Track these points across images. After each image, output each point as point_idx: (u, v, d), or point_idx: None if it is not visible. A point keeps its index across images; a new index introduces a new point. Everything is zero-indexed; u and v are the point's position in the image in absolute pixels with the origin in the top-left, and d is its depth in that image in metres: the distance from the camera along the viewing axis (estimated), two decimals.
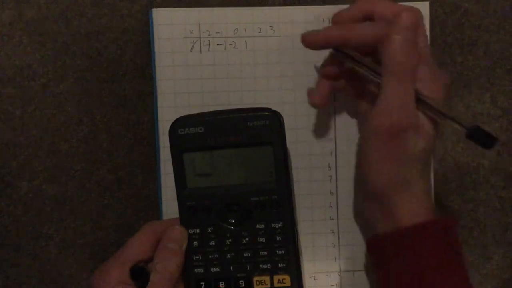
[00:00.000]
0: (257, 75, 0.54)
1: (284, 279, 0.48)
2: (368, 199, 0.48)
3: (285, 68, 0.54)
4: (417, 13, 0.46)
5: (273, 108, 0.47)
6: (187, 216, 0.48)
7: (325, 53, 0.51)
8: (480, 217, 0.56)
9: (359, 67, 0.48)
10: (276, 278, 0.48)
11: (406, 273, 0.45)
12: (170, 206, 0.53)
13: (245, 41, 0.54)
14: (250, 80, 0.54)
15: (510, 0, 0.55)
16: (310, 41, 0.48)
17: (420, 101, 0.45)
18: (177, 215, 0.48)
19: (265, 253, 0.48)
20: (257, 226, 0.48)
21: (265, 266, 0.48)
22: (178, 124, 0.47)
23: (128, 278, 0.46)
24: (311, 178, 0.54)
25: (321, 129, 0.54)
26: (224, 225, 0.48)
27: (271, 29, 0.54)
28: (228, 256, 0.48)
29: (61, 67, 0.54)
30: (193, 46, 0.53)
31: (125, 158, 0.54)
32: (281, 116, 0.47)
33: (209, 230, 0.48)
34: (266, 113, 0.47)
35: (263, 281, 0.48)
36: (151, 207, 0.55)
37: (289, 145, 0.48)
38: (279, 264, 0.48)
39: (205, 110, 0.49)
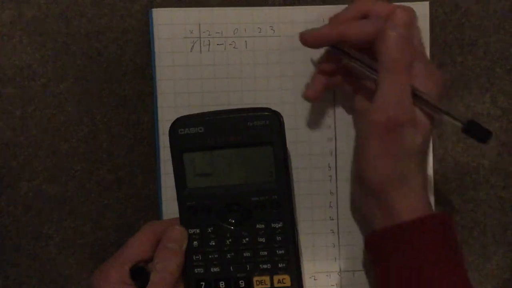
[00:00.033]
0: (257, 75, 0.54)
1: (284, 279, 0.48)
2: (365, 195, 0.48)
3: (285, 68, 0.54)
4: (411, 11, 0.47)
5: (273, 108, 0.47)
6: (187, 216, 0.48)
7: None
8: (480, 217, 0.56)
9: (356, 63, 0.48)
10: (276, 278, 0.48)
11: (405, 268, 0.45)
12: (170, 206, 0.53)
13: (245, 41, 0.54)
14: (250, 80, 0.54)
15: (510, 0, 0.55)
16: (308, 39, 0.48)
17: (416, 96, 0.46)
18: (177, 215, 0.48)
19: (265, 253, 0.48)
20: (257, 226, 0.48)
21: (265, 266, 0.48)
22: (178, 124, 0.47)
23: (128, 278, 0.46)
24: (311, 178, 0.54)
25: (321, 129, 0.54)
26: (224, 225, 0.48)
27: (271, 29, 0.54)
28: (228, 256, 0.48)
29: (61, 67, 0.54)
30: (193, 46, 0.53)
31: (125, 158, 0.54)
32: (281, 116, 0.47)
33: (209, 230, 0.48)
34: (266, 113, 0.47)
35: (263, 281, 0.48)
36: (151, 207, 0.55)
37: (289, 145, 0.48)
38: (279, 264, 0.48)
39: (205, 110, 0.49)
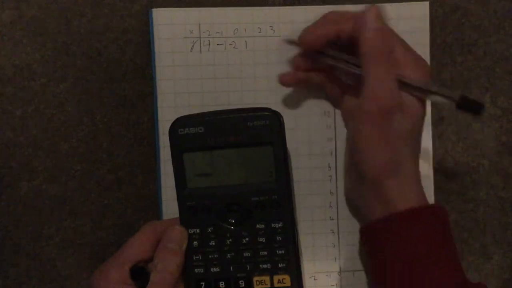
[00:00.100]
0: (257, 75, 0.54)
1: (284, 279, 0.48)
2: (360, 186, 0.49)
3: (285, 68, 0.54)
4: (377, 7, 0.47)
5: (273, 108, 0.47)
6: (187, 216, 0.48)
7: None
8: (480, 217, 0.56)
9: (341, 64, 0.49)
10: (276, 278, 0.48)
11: (399, 260, 0.45)
12: (170, 206, 0.53)
13: (245, 41, 0.54)
14: (250, 80, 0.54)
15: (510, 0, 0.55)
16: (308, 41, 0.49)
17: (404, 83, 0.46)
18: (177, 215, 0.48)
19: (265, 253, 0.48)
20: (257, 226, 0.48)
21: (265, 266, 0.48)
22: (178, 124, 0.47)
23: (128, 278, 0.46)
24: (311, 178, 0.54)
25: (321, 129, 0.54)
26: (224, 225, 0.48)
27: (271, 29, 0.54)
28: (228, 256, 0.48)
29: (61, 67, 0.54)
30: (193, 46, 0.53)
31: (125, 158, 0.54)
32: (281, 116, 0.47)
33: (209, 230, 0.48)
34: (266, 113, 0.47)
35: (263, 281, 0.48)
36: (151, 207, 0.55)
37: (289, 145, 0.48)
38: (279, 264, 0.48)
39: (205, 110, 0.49)
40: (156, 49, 0.53)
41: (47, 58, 0.54)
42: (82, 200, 0.54)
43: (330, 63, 0.50)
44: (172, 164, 0.48)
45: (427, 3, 0.54)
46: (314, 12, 0.53)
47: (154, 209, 0.54)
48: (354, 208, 0.54)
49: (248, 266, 0.48)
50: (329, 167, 0.54)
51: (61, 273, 0.54)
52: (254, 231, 0.48)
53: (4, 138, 0.54)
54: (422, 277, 0.44)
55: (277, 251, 0.48)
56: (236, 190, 0.48)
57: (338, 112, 0.54)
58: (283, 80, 0.52)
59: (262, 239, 0.48)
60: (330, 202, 0.54)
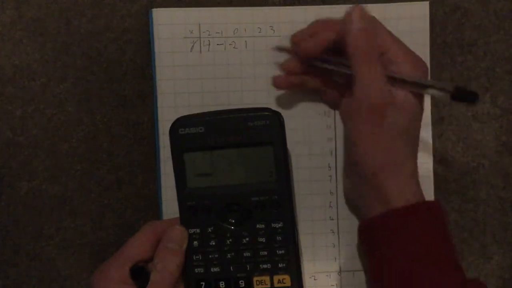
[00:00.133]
0: (257, 75, 0.54)
1: (284, 279, 0.48)
2: (358, 185, 0.49)
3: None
4: (360, 8, 0.48)
5: (273, 108, 0.47)
6: (187, 216, 0.48)
7: None
8: (480, 217, 0.56)
9: (332, 65, 0.50)
10: (276, 278, 0.48)
11: (396, 258, 0.45)
12: (170, 206, 0.53)
13: (245, 41, 0.54)
14: (250, 80, 0.54)
15: (510, 0, 0.55)
16: (308, 48, 0.49)
17: (398, 79, 0.47)
18: (177, 215, 0.48)
19: (265, 253, 0.48)
20: (257, 226, 0.48)
21: (265, 266, 0.48)
22: (178, 124, 0.47)
23: (128, 278, 0.46)
24: (311, 178, 0.54)
25: (321, 129, 0.54)
26: (224, 225, 0.48)
27: (271, 29, 0.54)
28: (228, 256, 0.48)
29: (61, 67, 0.54)
30: (193, 46, 0.53)
31: (125, 158, 0.54)
32: (281, 116, 0.47)
33: (209, 230, 0.48)
34: (266, 113, 0.47)
35: (263, 281, 0.48)
36: (151, 207, 0.54)
37: (289, 145, 0.48)
38: (279, 264, 0.48)
39: (205, 110, 0.49)
40: (156, 49, 0.53)
41: (47, 58, 0.54)
42: (82, 200, 0.54)
43: (322, 66, 0.50)
44: (173, 164, 0.48)
45: (427, 3, 0.54)
46: (314, 12, 0.53)
47: (154, 209, 0.54)
48: (354, 207, 0.54)
49: (248, 266, 0.48)
50: (329, 167, 0.54)
51: (61, 273, 0.54)
52: (254, 231, 0.48)
53: (4, 138, 0.54)
54: (420, 273, 0.44)
55: (277, 251, 0.48)
56: (236, 190, 0.48)
57: (338, 112, 0.54)
58: (277, 83, 0.52)
59: (262, 239, 0.48)
60: (330, 202, 0.54)
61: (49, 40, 0.54)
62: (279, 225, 0.48)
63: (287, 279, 0.48)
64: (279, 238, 0.48)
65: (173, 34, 0.53)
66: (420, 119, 0.48)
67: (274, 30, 0.54)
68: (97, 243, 0.54)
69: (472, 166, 0.56)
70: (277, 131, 0.47)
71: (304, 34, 0.51)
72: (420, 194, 0.47)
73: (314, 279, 0.54)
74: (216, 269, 0.48)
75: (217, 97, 0.53)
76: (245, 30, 0.54)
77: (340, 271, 0.55)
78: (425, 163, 0.55)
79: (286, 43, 0.52)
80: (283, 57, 0.53)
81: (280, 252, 0.48)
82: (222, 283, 0.48)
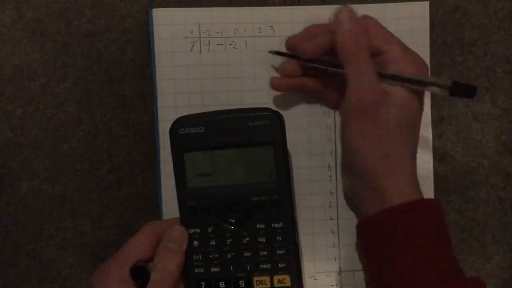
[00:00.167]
0: (257, 75, 0.54)
1: (284, 279, 0.48)
2: (356, 184, 0.49)
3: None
4: (347, 9, 0.48)
5: (273, 108, 0.48)
6: (187, 216, 0.48)
7: None
8: (480, 217, 0.56)
9: (326, 66, 0.50)
10: (276, 278, 0.48)
11: (394, 255, 0.45)
12: (170, 206, 0.53)
13: (245, 41, 0.54)
14: (250, 80, 0.54)
15: (510, 0, 0.55)
16: (308, 50, 0.49)
17: (395, 77, 0.47)
18: (177, 215, 0.48)
19: (265, 253, 0.48)
20: (257, 226, 0.48)
21: (265, 266, 0.48)
22: (178, 124, 0.47)
23: (128, 278, 0.46)
24: (311, 178, 0.54)
25: (321, 129, 0.54)
26: (224, 225, 0.48)
27: (271, 29, 0.54)
28: (228, 256, 0.48)
29: (61, 67, 0.54)
30: (193, 46, 0.53)
31: (125, 158, 0.54)
32: (282, 116, 0.47)
33: (209, 230, 0.48)
34: (267, 113, 0.47)
35: (263, 281, 0.48)
36: (151, 207, 0.54)
37: (289, 145, 0.48)
38: (279, 264, 0.48)
39: (205, 110, 0.49)
40: (156, 49, 0.53)
41: (47, 58, 0.54)
42: (82, 200, 0.54)
43: (319, 67, 0.50)
44: (173, 164, 0.48)
45: (427, 3, 0.54)
46: (314, 12, 0.53)
47: (154, 209, 0.54)
48: (353, 206, 0.54)
49: (248, 266, 0.48)
50: (329, 167, 0.54)
51: (61, 273, 0.54)
52: (254, 231, 0.48)
53: (4, 138, 0.54)
54: (417, 270, 0.45)
55: (277, 251, 0.48)
56: (236, 190, 0.48)
57: (338, 112, 0.54)
58: (274, 85, 0.52)
59: (262, 239, 0.48)
60: (330, 202, 0.54)
61: (49, 40, 0.54)
62: (279, 225, 0.48)
63: (287, 279, 0.48)
64: (279, 238, 0.48)
65: (173, 34, 0.53)
66: (418, 117, 0.48)
67: (274, 30, 0.54)
68: (97, 243, 0.54)
69: (472, 166, 0.56)
70: (277, 131, 0.47)
71: (299, 37, 0.51)
72: (418, 192, 0.47)
73: (314, 279, 0.54)
74: (216, 269, 0.48)
75: (217, 97, 0.54)
76: (245, 30, 0.54)
77: (340, 271, 0.55)
78: (425, 163, 0.55)
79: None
80: (280, 59, 0.53)
81: (280, 252, 0.48)
82: (222, 283, 0.48)
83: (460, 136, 0.56)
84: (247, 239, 0.48)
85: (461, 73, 0.55)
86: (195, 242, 0.48)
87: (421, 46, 0.54)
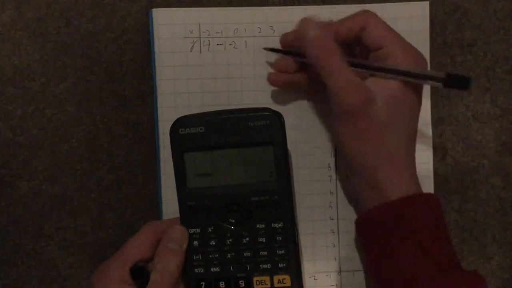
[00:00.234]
0: (257, 75, 0.54)
1: (284, 279, 0.48)
2: (353, 181, 0.49)
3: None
4: (310, 18, 0.49)
5: (273, 108, 0.47)
6: (187, 216, 0.48)
7: None
8: (480, 217, 0.56)
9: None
10: (276, 278, 0.48)
11: (393, 250, 0.45)
12: (170, 206, 0.53)
13: (245, 41, 0.54)
14: (250, 80, 0.54)
15: (510, 0, 0.55)
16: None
17: (389, 70, 0.47)
18: (177, 215, 0.48)
19: (265, 253, 0.48)
20: (257, 226, 0.48)
21: (265, 266, 0.48)
22: (179, 124, 0.47)
23: (128, 278, 0.46)
24: (311, 178, 0.54)
25: (321, 129, 0.54)
26: (225, 225, 0.48)
27: (271, 29, 0.54)
28: (228, 256, 0.48)
29: (61, 67, 0.54)
30: (193, 46, 0.53)
31: (125, 158, 0.54)
32: (282, 116, 0.47)
33: (210, 230, 0.48)
34: (267, 113, 0.47)
35: (263, 281, 0.48)
36: (151, 207, 0.54)
37: (289, 145, 0.48)
38: (279, 264, 0.48)
39: (205, 110, 0.49)
40: (156, 49, 0.53)
41: (47, 58, 0.54)
42: (82, 200, 0.54)
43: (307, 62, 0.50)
44: (173, 164, 0.48)
45: (427, 3, 0.54)
46: (314, 12, 0.53)
47: (154, 209, 0.54)
48: (353, 202, 0.54)
49: (248, 266, 0.48)
50: (329, 167, 0.54)
51: (61, 273, 0.54)
52: (254, 231, 0.48)
53: (4, 138, 0.54)
54: (416, 263, 0.45)
55: (277, 251, 0.48)
56: (236, 190, 0.48)
57: None
58: (271, 80, 0.52)
59: (262, 239, 0.48)
60: (330, 202, 0.54)
61: (49, 40, 0.54)
62: (279, 225, 0.48)
63: (287, 279, 0.48)
64: (279, 238, 0.48)
65: (173, 34, 0.53)
66: (414, 111, 0.48)
67: (274, 30, 0.54)
68: (97, 243, 0.54)
69: (472, 166, 0.56)
70: (277, 131, 0.47)
71: (293, 34, 0.51)
72: (417, 186, 0.47)
73: (314, 279, 0.54)
74: (216, 269, 0.48)
75: (217, 97, 0.54)
76: (245, 30, 0.54)
77: (340, 271, 0.55)
78: (425, 163, 0.55)
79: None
80: (276, 56, 0.53)
81: (280, 252, 0.48)
82: (222, 283, 0.48)
83: (460, 136, 0.55)
84: (247, 239, 0.48)
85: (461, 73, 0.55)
86: (195, 242, 0.48)
87: (421, 46, 0.53)
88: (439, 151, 0.56)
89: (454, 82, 0.46)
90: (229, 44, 0.54)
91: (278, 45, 0.53)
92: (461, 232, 0.56)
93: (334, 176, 0.54)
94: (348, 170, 0.52)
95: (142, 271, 0.47)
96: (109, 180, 0.54)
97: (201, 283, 0.48)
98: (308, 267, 0.54)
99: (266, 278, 0.48)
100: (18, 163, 0.54)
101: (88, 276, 0.53)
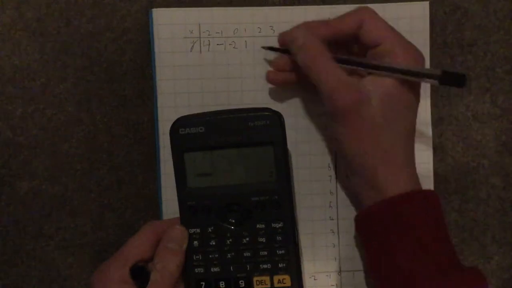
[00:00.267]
0: (257, 75, 0.54)
1: (284, 279, 0.48)
2: (353, 179, 0.49)
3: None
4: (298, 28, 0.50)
5: (273, 108, 0.47)
6: (187, 215, 0.48)
7: None
8: (480, 217, 0.56)
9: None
10: (276, 278, 0.48)
11: (392, 246, 0.45)
12: (170, 206, 0.53)
13: (245, 41, 0.54)
14: (250, 80, 0.54)
15: (510, 0, 0.55)
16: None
17: (385, 68, 0.47)
18: (177, 215, 0.48)
19: (265, 253, 0.48)
20: (257, 226, 0.48)
21: (265, 266, 0.48)
22: (179, 124, 0.47)
23: (128, 278, 0.46)
24: (311, 178, 0.54)
25: (321, 129, 0.54)
26: (225, 225, 0.48)
27: (271, 29, 0.54)
28: (228, 256, 0.48)
29: (61, 67, 0.54)
30: (193, 46, 0.53)
31: (125, 158, 0.54)
32: (282, 116, 0.47)
33: (210, 230, 0.48)
34: (267, 113, 0.47)
35: (263, 281, 0.48)
36: (151, 207, 0.54)
37: (289, 145, 0.48)
38: (279, 264, 0.48)
39: (205, 110, 0.49)
40: (156, 49, 0.53)
41: (47, 58, 0.54)
42: (82, 200, 0.54)
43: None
44: (173, 163, 0.48)
45: (427, 3, 0.54)
46: (314, 12, 0.53)
47: (154, 209, 0.54)
48: (353, 200, 0.54)
49: (248, 266, 0.48)
50: (329, 167, 0.54)
51: (61, 273, 0.54)
52: (254, 231, 0.48)
53: (4, 138, 0.54)
54: (416, 261, 0.45)
55: (277, 251, 0.48)
56: (236, 190, 0.48)
57: None
58: (270, 78, 0.52)
59: (262, 239, 0.48)
60: (330, 202, 0.54)
61: (49, 40, 0.54)
62: (279, 225, 0.48)
63: (287, 279, 0.48)
64: (279, 238, 0.48)
65: (173, 34, 0.53)
66: (411, 109, 0.48)
67: (274, 30, 0.54)
68: (97, 243, 0.54)
69: (472, 166, 0.56)
70: (277, 131, 0.47)
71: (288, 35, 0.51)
72: (416, 183, 0.47)
73: (314, 279, 0.54)
74: (216, 269, 0.48)
75: (217, 97, 0.54)
76: (245, 30, 0.54)
77: (340, 271, 0.55)
78: (425, 163, 0.55)
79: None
80: (274, 55, 0.53)
81: (280, 252, 0.48)
82: (222, 283, 0.48)
83: (460, 136, 0.55)
84: (247, 239, 0.48)
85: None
86: (195, 242, 0.48)
87: (421, 46, 0.53)
88: (439, 151, 0.56)
89: (450, 80, 0.46)
90: (229, 44, 0.54)
91: (277, 45, 0.53)
92: (461, 232, 0.56)
93: (334, 176, 0.54)
94: (348, 170, 0.52)
95: (142, 271, 0.47)
96: (109, 180, 0.54)
97: (201, 283, 0.48)
98: (308, 267, 0.54)
99: (266, 278, 0.48)
100: (18, 163, 0.54)
101: (88, 276, 0.53)
